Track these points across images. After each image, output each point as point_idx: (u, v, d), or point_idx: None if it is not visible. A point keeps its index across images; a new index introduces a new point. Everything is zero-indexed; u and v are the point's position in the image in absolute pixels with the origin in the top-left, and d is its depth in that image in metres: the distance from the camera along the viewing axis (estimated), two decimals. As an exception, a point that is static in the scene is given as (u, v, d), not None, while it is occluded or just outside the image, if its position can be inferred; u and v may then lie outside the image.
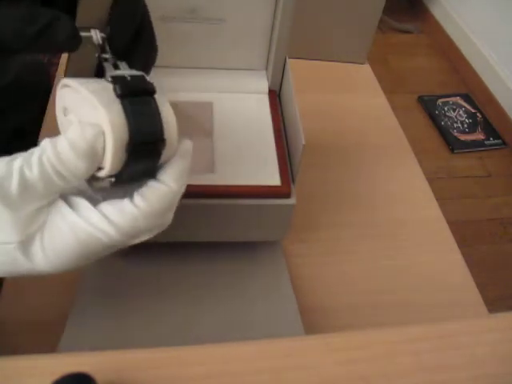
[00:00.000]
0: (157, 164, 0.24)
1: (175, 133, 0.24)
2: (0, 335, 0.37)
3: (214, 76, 0.43)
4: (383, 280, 0.45)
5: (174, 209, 0.25)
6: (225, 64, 0.43)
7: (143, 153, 0.23)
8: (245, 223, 0.38)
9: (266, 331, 0.39)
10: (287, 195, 0.36)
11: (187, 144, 0.26)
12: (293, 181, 0.37)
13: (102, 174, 0.23)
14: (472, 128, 1.62)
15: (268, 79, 0.43)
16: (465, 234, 1.32)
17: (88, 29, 0.25)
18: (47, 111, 0.53)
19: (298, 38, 0.49)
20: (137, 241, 0.24)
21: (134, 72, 0.24)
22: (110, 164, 0.22)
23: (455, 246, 0.49)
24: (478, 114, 1.67)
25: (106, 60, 0.25)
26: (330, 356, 0.29)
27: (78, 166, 0.21)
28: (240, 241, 0.41)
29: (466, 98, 1.73)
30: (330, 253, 0.46)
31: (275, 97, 0.43)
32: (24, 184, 0.21)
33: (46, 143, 0.22)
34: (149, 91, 0.24)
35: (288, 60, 0.41)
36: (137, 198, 0.23)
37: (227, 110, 0.41)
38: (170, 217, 0.25)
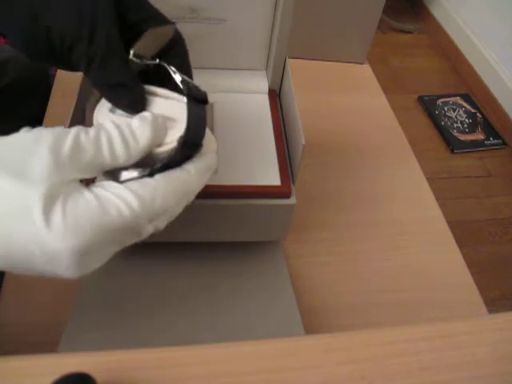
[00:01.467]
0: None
1: (207, 139, 0.28)
2: (0, 335, 0.37)
3: (214, 76, 0.43)
4: (383, 280, 0.45)
5: (189, 200, 0.26)
6: (225, 64, 0.43)
7: (186, 150, 0.26)
8: (245, 223, 0.38)
9: (266, 331, 0.39)
10: (287, 195, 0.36)
11: (214, 145, 0.28)
12: (293, 181, 0.37)
13: (159, 150, 0.25)
14: (472, 128, 1.62)
15: (268, 79, 0.43)
16: (465, 234, 1.32)
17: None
18: (47, 111, 0.53)
19: (298, 38, 0.49)
20: (150, 228, 0.25)
21: (191, 81, 0.28)
22: (167, 148, 0.25)
23: (455, 246, 0.49)
24: (478, 114, 1.67)
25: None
26: (330, 356, 0.29)
27: (145, 135, 0.24)
28: (240, 241, 0.41)
29: (466, 98, 1.73)
30: (330, 253, 0.46)
31: (275, 97, 0.43)
32: (77, 146, 0.22)
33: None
34: (205, 100, 0.27)
35: (288, 60, 0.41)
36: (158, 175, 0.24)
37: (227, 110, 0.41)
38: (181, 206, 0.26)
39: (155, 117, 0.26)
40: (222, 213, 0.37)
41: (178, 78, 0.27)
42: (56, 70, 0.59)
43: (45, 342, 0.35)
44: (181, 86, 0.27)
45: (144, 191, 0.23)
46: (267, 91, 0.43)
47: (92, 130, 0.23)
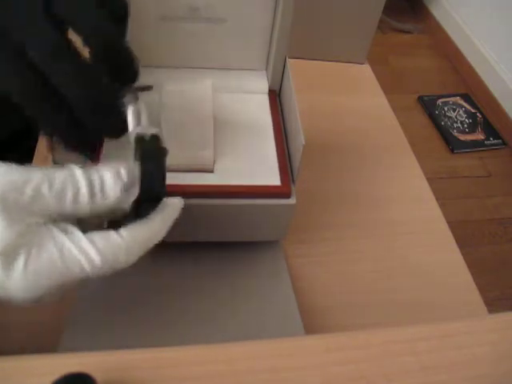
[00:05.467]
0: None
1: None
2: (0, 335, 0.37)
3: (214, 76, 0.43)
4: (383, 280, 0.45)
5: (150, 247, 0.26)
6: (225, 64, 0.43)
7: (147, 205, 0.26)
8: (245, 223, 0.38)
9: (266, 331, 0.39)
10: (287, 195, 0.36)
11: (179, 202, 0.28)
12: (293, 181, 0.37)
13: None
14: (472, 128, 1.62)
15: (268, 79, 0.43)
16: (465, 234, 1.32)
17: None
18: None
19: (298, 38, 0.49)
20: (107, 273, 0.25)
21: (152, 129, 0.27)
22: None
23: (455, 246, 0.49)
24: (478, 114, 1.67)
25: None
26: (330, 356, 0.29)
27: (115, 194, 0.23)
28: (240, 241, 0.41)
29: (466, 98, 1.74)
30: (330, 253, 0.46)
31: (275, 97, 0.43)
32: (37, 199, 0.21)
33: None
34: (162, 154, 0.26)
35: (288, 60, 0.41)
36: (123, 230, 0.24)
37: (227, 110, 0.41)
38: (138, 255, 0.26)
39: (129, 174, 0.24)
40: (222, 213, 0.37)
41: (132, 134, 0.26)
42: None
43: (45, 342, 0.35)
44: (133, 143, 0.26)
45: (108, 249, 0.23)
46: (267, 91, 0.43)
47: (58, 179, 0.22)
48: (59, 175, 0.22)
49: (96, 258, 0.23)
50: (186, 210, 0.36)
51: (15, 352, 0.26)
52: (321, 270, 0.45)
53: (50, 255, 0.22)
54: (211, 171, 0.36)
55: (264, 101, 0.43)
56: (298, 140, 0.34)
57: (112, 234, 0.24)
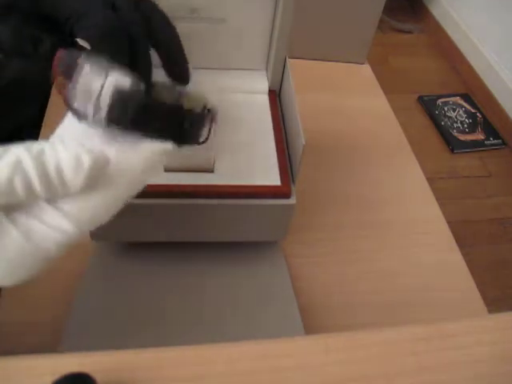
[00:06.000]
0: None
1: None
2: (0, 335, 0.37)
3: (214, 76, 0.43)
4: (383, 280, 0.45)
5: (134, 191, 0.24)
6: (225, 64, 0.43)
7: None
8: (245, 223, 0.38)
9: (266, 331, 0.39)
10: (287, 195, 0.36)
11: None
12: (293, 181, 0.37)
13: None
14: (472, 128, 1.62)
15: (268, 79, 0.43)
16: (465, 233, 1.32)
17: None
18: (47, 111, 0.53)
19: (298, 38, 0.49)
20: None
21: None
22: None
23: (455, 246, 0.49)
24: (478, 114, 1.67)
25: None
26: (330, 356, 0.29)
27: (77, 181, 0.20)
28: (240, 241, 0.41)
29: (466, 98, 1.74)
30: (330, 253, 0.46)
31: (275, 97, 0.43)
32: None
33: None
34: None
35: (288, 60, 0.41)
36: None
37: (227, 110, 0.41)
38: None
39: (95, 160, 0.21)
40: (222, 213, 0.37)
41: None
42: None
43: (45, 342, 0.35)
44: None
45: (80, 212, 0.21)
46: (267, 91, 0.43)
47: (3, 173, 0.19)
48: (1, 165, 0.19)
49: (69, 226, 0.21)
50: (186, 210, 0.36)
51: (15, 352, 0.26)
52: (321, 270, 0.45)
53: (14, 240, 0.20)
54: (211, 171, 0.36)
55: (264, 101, 0.43)
56: (298, 140, 0.34)
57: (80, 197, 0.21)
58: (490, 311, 0.42)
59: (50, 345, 0.35)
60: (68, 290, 0.39)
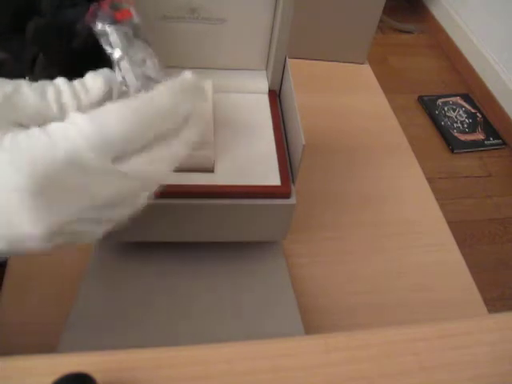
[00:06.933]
0: None
1: None
2: (0, 335, 0.37)
3: (214, 76, 0.43)
4: (383, 280, 0.45)
5: (152, 122, 0.24)
6: (225, 64, 0.43)
7: None
8: (245, 223, 0.38)
9: (266, 331, 0.39)
10: (287, 195, 0.36)
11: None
12: (293, 181, 0.37)
13: None
14: (472, 128, 1.62)
15: (268, 79, 0.43)
16: (465, 234, 1.32)
17: None
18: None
19: (298, 38, 0.49)
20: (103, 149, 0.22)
21: None
22: None
23: (455, 245, 0.49)
24: (478, 114, 1.67)
25: None
26: (330, 356, 0.29)
27: (97, 84, 0.24)
28: (240, 241, 0.41)
29: (466, 98, 1.73)
30: (330, 253, 0.46)
31: (275, 97, 0.43)
32: (16, 94, 0.22)
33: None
34: None
35: (288, 60, 0.41)
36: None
37: (227, 110, 0.41)
38: (150, 134, 0.24)
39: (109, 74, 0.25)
40: (222, 213, 0.37)
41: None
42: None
43: (45, 342, 0.35)
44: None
45: (97, 114, 0.22)
46: (267, 91, 0.43)
47: (37, 84, 0.23)
48: (36, 83, 0.23)
49: (83, 122, 0.21)
50: (186, 210, 0.36)
51: (15, 352, 0.26)
52: (321, 270, 0.45)
53: (30, 135, 0.21)
54: (211, 171, 0.36)
55: (264, 101, 0.43)
56: (298, 140, 0.34)
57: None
58: (490, 311, 0.42)
59: (50, 345, 0.35)
60: (68, 290, 0.39)
